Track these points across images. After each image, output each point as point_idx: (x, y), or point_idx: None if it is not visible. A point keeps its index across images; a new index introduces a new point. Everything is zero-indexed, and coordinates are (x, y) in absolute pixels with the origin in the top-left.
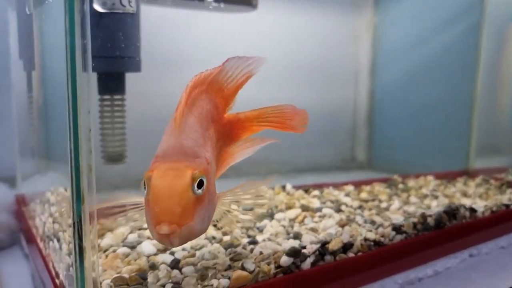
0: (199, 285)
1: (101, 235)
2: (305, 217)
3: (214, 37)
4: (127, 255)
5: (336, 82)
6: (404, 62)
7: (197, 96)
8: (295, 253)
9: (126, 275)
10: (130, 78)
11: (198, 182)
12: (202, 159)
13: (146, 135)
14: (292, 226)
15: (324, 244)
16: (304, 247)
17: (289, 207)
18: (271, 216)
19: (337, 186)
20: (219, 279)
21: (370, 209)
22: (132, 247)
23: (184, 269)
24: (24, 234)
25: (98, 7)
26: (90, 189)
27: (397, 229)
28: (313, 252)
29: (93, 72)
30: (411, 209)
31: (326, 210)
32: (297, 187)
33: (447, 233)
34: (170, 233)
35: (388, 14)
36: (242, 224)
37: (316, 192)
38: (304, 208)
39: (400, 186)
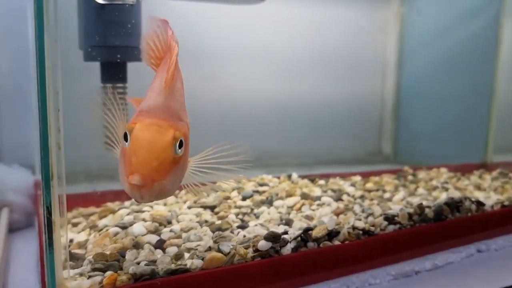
0: (173, 264)
1: (103, 216)
2: (303, 204)
3: (236, 28)
4: (115, 234)
5: (363, 74)
6: (430, 53)
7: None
8: (274, 238)
9: (108, 252)
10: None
11: (179, 143)
12: (184, 123)
13: None
14: (289, 213)
15: (307, 230)
16: (286, 233)
17: (289, 195)
18: (269, 203)
19: (345, 176)
20: (192, 259)
21: (371, 199)
22: (124, 227)
23: (167, 249)
24: (38, 217)
25: (99, 0)
26: (59, 165)
27: (389, 219)
28: (294, 238)
29: (96, 62)
30: (415, 200)
31: (325, 199)
32: (303, 176)
33: (448, 226)
34: (141, 185)
35: (415, 4)
36: (238, 210)
37: (321, 182)
38: (304, 196)
39: (410, 177)
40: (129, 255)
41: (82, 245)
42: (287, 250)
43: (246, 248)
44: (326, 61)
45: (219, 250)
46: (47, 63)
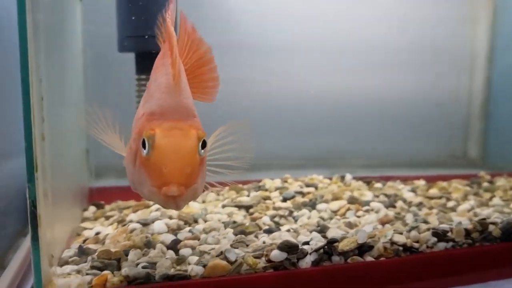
0: (172, 269)
1: (136, 210)
2: (348, 209)
3: (306, 20)
4: (132, 231)
5: (449, 68)
6: None
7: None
8: (290, 248)
9: (113, 250)
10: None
11: (202, 142)
12: (198, 118)
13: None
14: (331, 218)
15: (332, 242)
16: (307, 243)
17: (336, 198)
18: (312, 205)
19: (407, 179)
20: (195, 265)
21: (431, 208)
22: (145, 224)
23: (181, 251)
24: None
25: None
26: (43, 156)
27: (439, 234)
28: (316, 250)
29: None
30: (486, 212)
31: (374, 204)
32: (358, 178)
33: None
34: (178, 195)
35: None
36: (275, 212)
37: (378, 185)
38: (352, 200)
39: (485, 184)
40: (132, 254)
41: (100, 240)
42: (305, 263)
43: (259, 257)
44: (404, 54)
45: (225, 257)
46: (30, 49)
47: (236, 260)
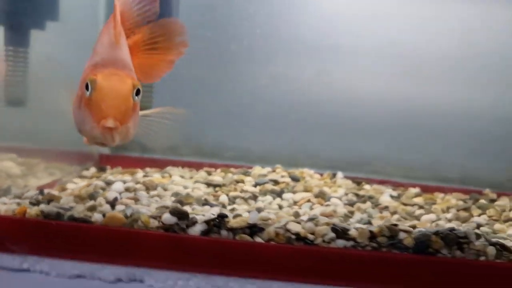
0: (82, 214)
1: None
2: (308, 201)
3: (366, 23)
4: (93, 186)
5: None
6: None
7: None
8: (180, 214)
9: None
10: (264, 63)
11: (136, 90)
12: (134, 73)
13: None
14: (289, 207)
15: (222, 217)
16: (204, 215)
17: (305, 191)
18: (279, 194)
19: (399, 186)
20: (97, 213)
21: (393, 213)
22: (109, 183)
23: (116, 207)
24: None
25: None
26: None
27: (338, 231)
28: (205, 221)
29: None
30: (450, 225)
31: (334, 200)
32: (350, 178)
33: (432, 264)
34: (114, 127)
35: None
36: (239, 194)
37: (367, 187)
38: (319, 194)
39: (482, 201)
40: (64, 199)
41: (65, 190)
42: (194, 231)
43: (154, 218)
44: (471, 64)
45: (124, 212)
46: None
47: (131, 216)
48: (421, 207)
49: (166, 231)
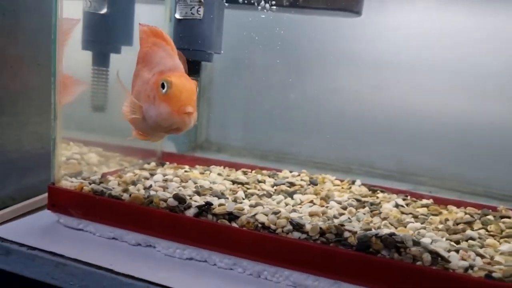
0: (120, 193)
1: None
2: (311, 201)
3: (416, 40)
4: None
5: None
6: None
7: None
8: (180, 199)
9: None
10: (327, 76)
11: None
12: None
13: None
14: (293, 206)
15: (209, 204)
16: (197, 202)
17: (314, 193)
18: (290, 194)
19: (417, 196)
20: (126, 194)
21: (384, 219)
22: (153, 174)
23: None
24: None
25: (177, 15)
26: None
27: (294, 225)
28: (197, 206)
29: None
30: (429, 234)
31: (332, 203)
32: (368, 185)
33: (367, 261)
34: (191, 111)
35: None
36: (255, 191)
37: (380, 194)
38: (324, 197)
39: (490, 217)
40: (111, 182)
41: (121, 177)
42: (189, 213)
43: (164, 200)
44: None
45: (145, 194)
46: None
47: (148, 197)
48: (416, 216)
49: (171, 211)
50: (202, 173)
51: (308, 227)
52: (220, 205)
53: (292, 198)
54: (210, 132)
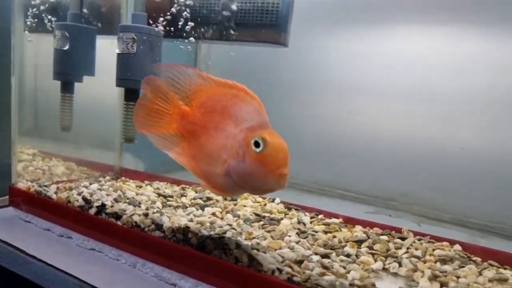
0: (53, 190)
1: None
2: (213, 214)
3: (389, 66)
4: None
5: None
6: None
7: None
8: (86, 200)
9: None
10: (304, 103)
11: None
12: None
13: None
14: (195, 216)
15: (104, 205)
16: (104, 205)
17: (223, 207)
18: (202, 207)
19: (330, 216)
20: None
21: (269, 231)
22: (91, 183)
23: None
24: None
25: (117, 50)
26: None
27: (158, 226)
28: (97, 206)
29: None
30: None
31: (229, 216)
32: (286, 203)
33: (203, 259)
34: (287, 174)
35: None
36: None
37: (294, 212)
38: (229, 211)
39: (383, 237)
40: (52, 186)
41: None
42: (91, 211)
43: (77, 200)
44: (499, 105)
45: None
46: None
47: (68, 197)
48: (303, 232)
49: (81, 208)
50: (140, 187)
51: (165, 227)
52: (111, 206)
53: (203, 210)
54: None
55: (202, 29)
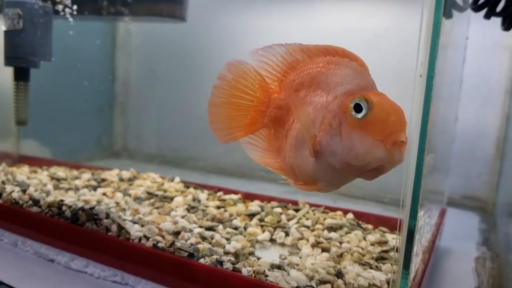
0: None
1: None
2: (103, 193)
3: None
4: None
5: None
6: None
7: None
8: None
9: None
10: None
11: None
12: None
13: None
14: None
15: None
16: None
17: (116, 187)
18: (95, 188)
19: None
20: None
21: (158, 208)
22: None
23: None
24: None
25: (3, 27)
26: None
27: (34, 200)
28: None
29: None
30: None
31: (118, 194)
32: (186, 182)
33: (76, 231)
34: (405, 141)
35: None
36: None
37: (192, 190)
38: (121, 190)
39: (277, 210)
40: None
41: None
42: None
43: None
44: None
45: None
46: None
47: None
48: (193, 207)
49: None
50: (35, 172)
51: (42, 202)
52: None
53: (95, 191)
54: (127, 140)
55: (96, 5)
